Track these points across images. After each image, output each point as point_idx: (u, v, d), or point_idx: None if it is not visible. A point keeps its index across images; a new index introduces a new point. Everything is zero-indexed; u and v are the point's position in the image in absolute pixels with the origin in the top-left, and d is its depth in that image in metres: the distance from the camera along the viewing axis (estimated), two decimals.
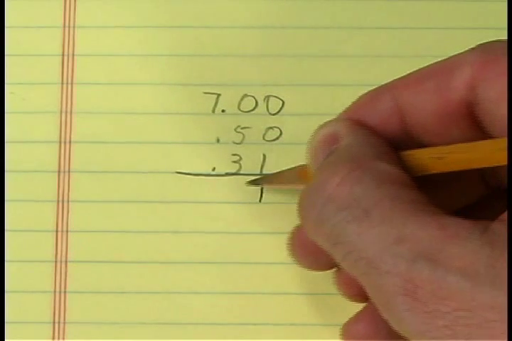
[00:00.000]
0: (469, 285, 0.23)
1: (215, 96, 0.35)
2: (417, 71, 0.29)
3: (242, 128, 0.35)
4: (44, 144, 0.35)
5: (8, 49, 0.35)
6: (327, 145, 0.28)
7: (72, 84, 0.35)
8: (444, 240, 0.24)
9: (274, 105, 0.35)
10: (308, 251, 0.30)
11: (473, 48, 0.27)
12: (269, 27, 0.36)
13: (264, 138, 0.35)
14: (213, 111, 0.35)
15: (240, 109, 0.35)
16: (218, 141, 0.35)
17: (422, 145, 0.28)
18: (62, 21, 0.36)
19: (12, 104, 0.35)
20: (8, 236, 0.34)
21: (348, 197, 0.26)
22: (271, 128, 0.35)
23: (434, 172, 0.28)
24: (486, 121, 0.27)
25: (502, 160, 0.26)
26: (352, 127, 0.28)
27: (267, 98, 0.35)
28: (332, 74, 0.35)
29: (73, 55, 0.35)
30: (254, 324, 0.34)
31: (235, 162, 0.35)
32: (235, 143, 0.35)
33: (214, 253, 0.34)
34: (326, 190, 0.26)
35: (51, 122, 0.35)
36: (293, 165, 0.33)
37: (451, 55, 0.34)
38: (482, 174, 0.30)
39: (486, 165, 0.27)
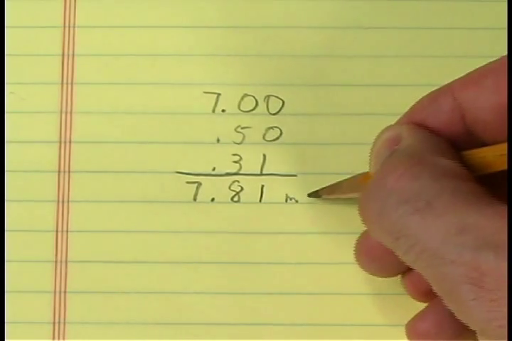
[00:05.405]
0: None
1: (215, 95, 0.35)
2: (475, 70, 0.29)
3: (242, 128, 0.35)
4: (44, 144, 0.35)
5: (8, 49, 0.35)
6: (388, 147, 0.29)
7: (72, 84, 0.35)
8: (506, 228, 0.24)
9: (274, 105, 0.35)
10: (374, 257, 0.30)
11: None
12: (269, 27, 0.36)
13: (264, 138, 0.35)
14: (213, 110, 0.35)
15: (240, 109, 0.35)
16: (218, 141, 0.35)
17: (484, 144, 0.29)
18: (62, 21, 0.36)
19: (12, 104, 0.35)
20: (8, 236, 0.34)
21: (408, 191, 0.26)
22: (271, 128, 0.35)
23: (498, 169, 0.27)
24: None
25: None
26: (413, 129, 0.29)
27: (267, 98, 0.35)
28: (332, 74, 0.35)
29: (73, 55, 0.35)
30: (254, 324, 0.34)
31: (235, 162, 0.35)
32: (235, 143, 0.35)
33: (214, 253, 0.34)
34: (386, 184, 0.27)
35: (51, 122, 0.35)
36: (357, 173, 0.32)
37: (451, 55, 0.34)
38: None
39: None
